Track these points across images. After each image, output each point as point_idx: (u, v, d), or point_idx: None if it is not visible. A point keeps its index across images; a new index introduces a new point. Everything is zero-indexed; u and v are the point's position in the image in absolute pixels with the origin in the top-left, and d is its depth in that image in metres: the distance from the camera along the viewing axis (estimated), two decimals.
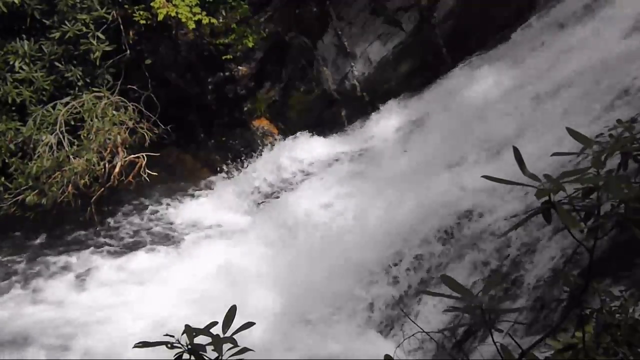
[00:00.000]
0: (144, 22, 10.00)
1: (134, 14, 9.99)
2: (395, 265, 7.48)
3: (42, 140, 9.37)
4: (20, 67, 9.61)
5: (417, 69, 10.12)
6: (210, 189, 10.62)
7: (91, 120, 9.49)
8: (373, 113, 10.19)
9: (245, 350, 2.10)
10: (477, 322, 2.08)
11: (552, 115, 7.51)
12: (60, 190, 9.22)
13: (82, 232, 9.78)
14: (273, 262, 8.55)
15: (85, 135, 9.47)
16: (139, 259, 9.24)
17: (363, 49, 10.29)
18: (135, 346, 2.20)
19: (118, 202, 10.27)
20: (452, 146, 8.33)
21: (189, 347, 2.09)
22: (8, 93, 9.49)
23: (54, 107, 9.66)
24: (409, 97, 10.03)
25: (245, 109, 11.13)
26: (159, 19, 9.59)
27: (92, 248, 9.48)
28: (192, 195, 10.50)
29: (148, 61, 10.65)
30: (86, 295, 8.60)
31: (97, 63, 9.83)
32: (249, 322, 2.21)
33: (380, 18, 10.16)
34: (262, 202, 10.00)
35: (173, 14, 9.53)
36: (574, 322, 2.37)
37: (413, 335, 3.96)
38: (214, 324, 2.20)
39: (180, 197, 10.47)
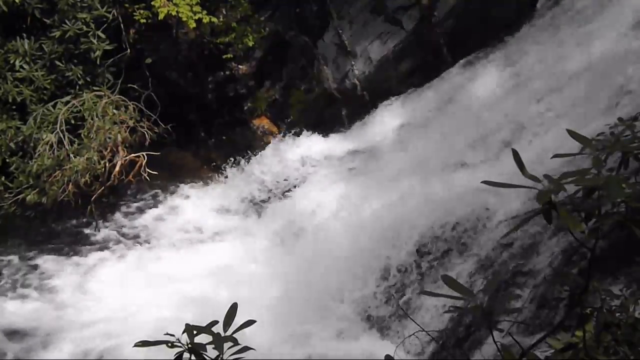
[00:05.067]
0: (144, 21, 9.99)
1: (135, 13, 9.99)
2: (395, 263, 7.48)
3: (43, 139, 9.36)
4: (21, 66, 9.60)
5: (418, 68, 10.11)
6: (210, 188, 10.62)
7: (92, 119, 9.49)
8: (373, 112, 10.18)
9: (246, 349, 2.10)
10: (478, 322, 2.08)
11: (553, 114, 7.51)
12: (61, 189, 9.22)
13: (82, 231, 9.78)
14: (273, 261, 8.55)
15: (85, 134, 9.47)
16: (139, 258, 9.24)
17: (363, 48, 10.29)
18: (136, 345, 2.20)
19: (118, 201, 10.27)
20: (453, 145, 8.33)
21: (189, 346, 2.09)
22: (8, 92, 9.48)
23: (54, 106, 9.65)
24: (409, 96, 10.02)
25: (246, 108, 11.13)
26: (159, 18, 9.58)
27: (92, 247, 9.48)
28: (192, 194, 10.49)
29: (148, 60, 10.64)
30: (86, 294, 8.60)
31: (98, 62, 9.82)
32: (249, 320, 2.22)
33: (381, 17, 10.15)
34: (263, 201, 10.00)
35: (174, 13, 9.52)
36: (574, 321, 2.37)
37: (413, 334, 3.97)
38: (215, 322, 2.20)
39: (181, 196, 10.46)
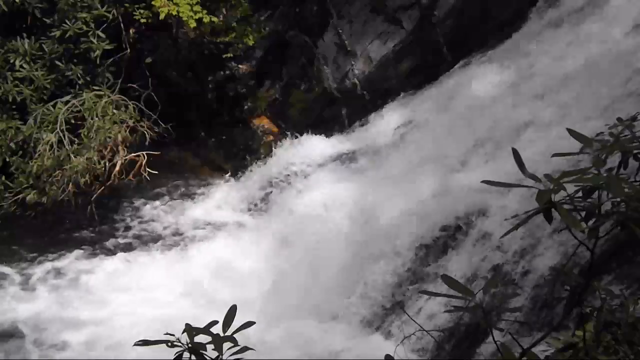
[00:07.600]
0: (144, 20, 9.98)
1: (135, 13, 9.98)
2: (395, 263, 7.48)
3: (43, 139, 9.36)
4: (21, 66, 9.60)
5: (418, 67, 10.11)
6: (210, 187, 10.62)
7: (92, 119, 9.48)
8: (373, 112, 10.17)
9: (245, 349, 2.10)
10: (478, 321, 2.08)
11: (552, 113, 7.51)
12: (61, 189, 9.22)
13: (83, 231, 9.78)
14: (273, 261, 8.55)
15: (85, 133, 9.47)
16: (139, 258, 9.24)
17: (363, 48, 10.29)
18: (136, 344, 2.20)
19: (118, 200, 10.27)
20: (453, 145, 8.33)
21: (189, 346, 2.09)
22: (9, 92, 9.49)
23: (54, 106, 9.65)
24: (409, 95, 10.02)
25: (246, 107, 11.13)
26: (160, 18, 9.57)
27: (92, 247, 9.48)
28: (192, 194, 10.50)
29: (148, 60, 10.64)
30: (86, 293, 8.60)
31: (98, 62, 9.82)
32: (249, 322, 2.21)
33: (381, 16, 10.15)
34: (262, 200, 10.00)
35: (174, 13, 9.51)
36: (574, 321, 2.37)
37: (413, 334, 3.96)
38: (214, 322, 2.20)
39: (181, 195, 10.47)
